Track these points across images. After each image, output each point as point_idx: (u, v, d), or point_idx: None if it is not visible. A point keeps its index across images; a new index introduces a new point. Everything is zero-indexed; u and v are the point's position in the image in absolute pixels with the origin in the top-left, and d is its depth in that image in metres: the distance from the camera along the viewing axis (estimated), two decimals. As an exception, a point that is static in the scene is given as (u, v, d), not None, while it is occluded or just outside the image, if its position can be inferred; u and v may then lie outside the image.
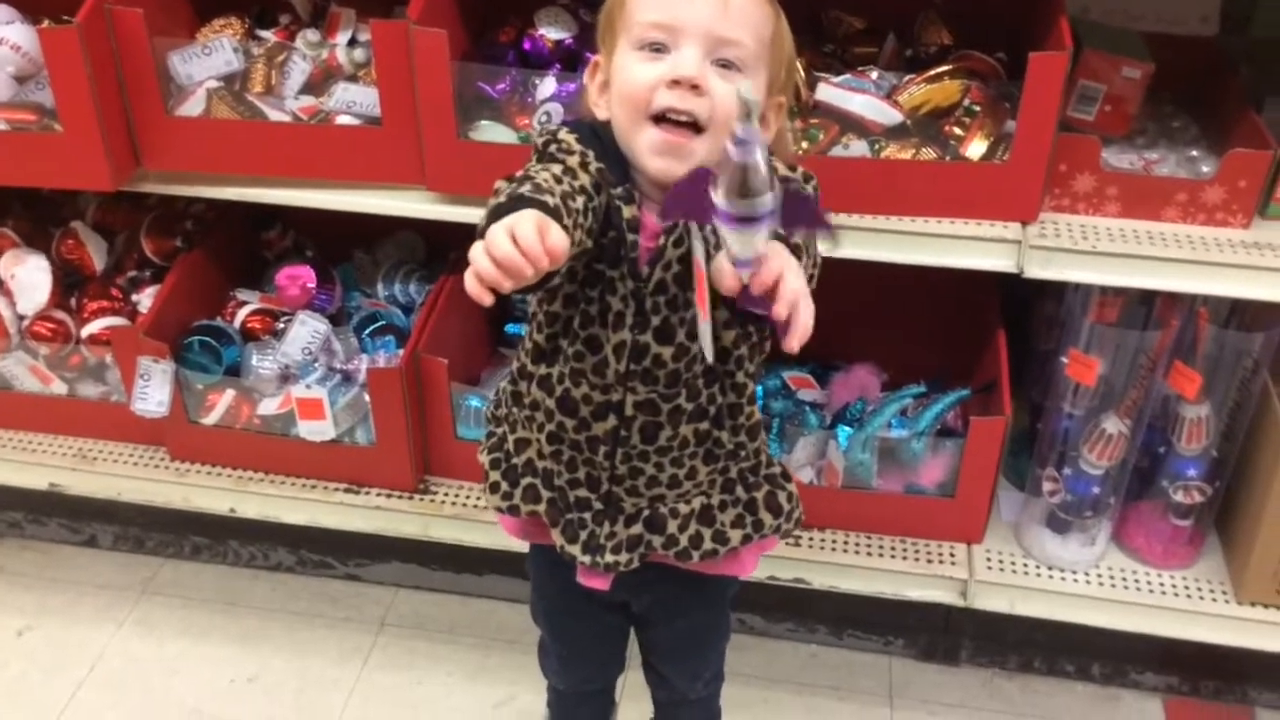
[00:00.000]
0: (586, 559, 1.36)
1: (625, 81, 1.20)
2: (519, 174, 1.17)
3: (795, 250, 1.12)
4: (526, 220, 1.00)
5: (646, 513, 1.36)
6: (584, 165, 1.21)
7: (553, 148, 1.23)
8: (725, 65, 1.18)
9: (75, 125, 1.78)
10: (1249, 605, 1.86)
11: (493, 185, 1.16)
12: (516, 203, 1.05)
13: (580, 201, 1.14)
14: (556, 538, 1.38)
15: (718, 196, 0.98)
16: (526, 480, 1.38)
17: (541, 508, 1.38)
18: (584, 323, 1.26)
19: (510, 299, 2.19)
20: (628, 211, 1.22)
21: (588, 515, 1.36)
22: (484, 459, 1.43)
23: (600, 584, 1.40)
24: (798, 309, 1.04)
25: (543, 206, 1.05)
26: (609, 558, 1.36)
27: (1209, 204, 1.69)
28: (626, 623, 1.57)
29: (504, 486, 1.40)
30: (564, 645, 1.60)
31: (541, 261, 0.99)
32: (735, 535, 1.38)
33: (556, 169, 1.18)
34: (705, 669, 1.62)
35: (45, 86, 1.79)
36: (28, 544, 2.36)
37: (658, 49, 1.18)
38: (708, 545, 1.37)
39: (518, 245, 0.98)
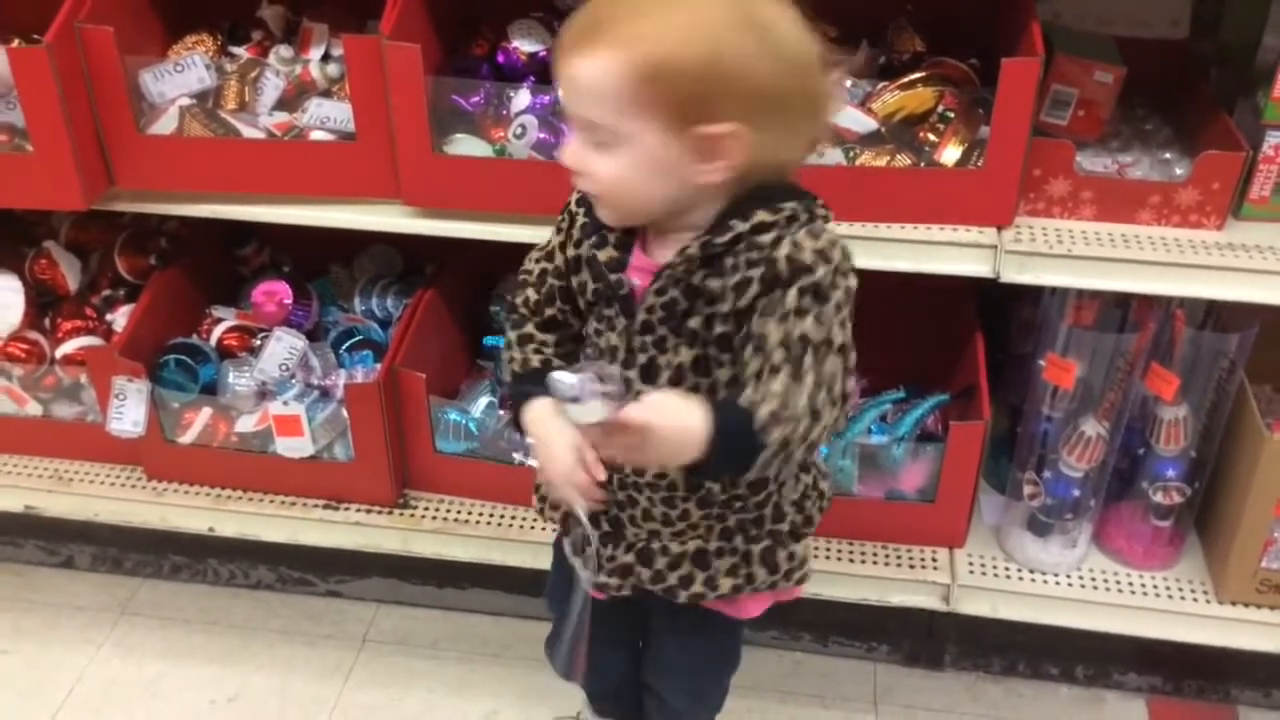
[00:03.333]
0: (586, 573, 1.39)
1: None
2: (523, 294, 1.40)
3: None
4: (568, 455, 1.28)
5: (640, 545, 1.39)
6: (565, 229, 1.34)
7: (560, 216, 1.36)
8: (600, 144, 1.18)
9: (46, 145, 1.76)
10: (1230, 605, 1.86)
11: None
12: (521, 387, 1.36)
13: (545, 290, 1.37)
14: (566, 547, 1.45)
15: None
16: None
17: (558, 515, 1.46)
18: (596, 355, 1.34)
19: (489, 311, 2.18)
20: (604, 255, 1.27)
21: (595, 534, 1.39)
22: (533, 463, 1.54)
23: (599, 595, 1.43)
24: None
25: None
26: (603, 579, 1.40)
27: (1183, 206, 1.70)
28: (639, 634, 1.59)
29: (542, 489, 1.50)
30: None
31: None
32: (726, 584, 1.40)
33: (539, 267, 1.39)
34: (709, 694, 1.62)
35: (15, 106, 1.78)
36: (3, 566, 2.33)
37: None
38: (697, 588, 1.39)
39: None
